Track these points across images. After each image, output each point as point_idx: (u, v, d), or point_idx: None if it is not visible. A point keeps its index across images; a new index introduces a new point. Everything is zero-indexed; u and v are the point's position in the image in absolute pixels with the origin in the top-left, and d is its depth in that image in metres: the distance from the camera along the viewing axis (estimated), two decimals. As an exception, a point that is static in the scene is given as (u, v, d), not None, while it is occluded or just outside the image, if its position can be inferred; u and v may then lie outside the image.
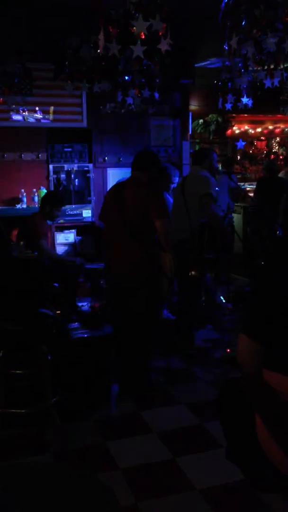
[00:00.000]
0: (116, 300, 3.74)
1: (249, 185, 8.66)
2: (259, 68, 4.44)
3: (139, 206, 3.48)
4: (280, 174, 7.50)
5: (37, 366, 3.07)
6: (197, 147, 7.73)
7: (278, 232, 6.20)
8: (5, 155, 6.25)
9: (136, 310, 3.59)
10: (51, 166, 6.40)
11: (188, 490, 2.58)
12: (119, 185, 3.75)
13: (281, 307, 1.69)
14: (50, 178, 6.39)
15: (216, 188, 4.53)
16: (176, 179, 5.44)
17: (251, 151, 10.15)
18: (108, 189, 4.44)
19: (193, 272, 4.18)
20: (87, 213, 6.50)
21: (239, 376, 1.82)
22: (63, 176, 6.44)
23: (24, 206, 6.19)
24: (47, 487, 1.55)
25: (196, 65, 6.73)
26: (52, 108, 6.32)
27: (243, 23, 3.72)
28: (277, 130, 9.25)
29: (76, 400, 3.34)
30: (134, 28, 3.61)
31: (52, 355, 3.10)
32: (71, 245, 6.40)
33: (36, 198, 6.17)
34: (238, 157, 9.81)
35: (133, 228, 3.49)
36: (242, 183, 8.15)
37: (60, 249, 6.29)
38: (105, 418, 3.38)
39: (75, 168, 6.50)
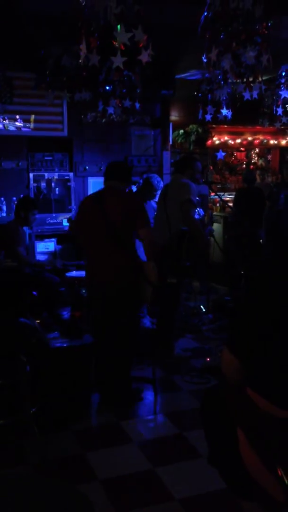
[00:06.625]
0: (98, 309, 3.72)
1: (229, 195, 8.75)
2: (238, 81, 4.51)
3: (121, 215, 3.49)
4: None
5: (15, 376, 3.03)
6: (177, 157, 7.79)
7: (260, 241, 6.29)
8: (-15, 163, 6.21)
9: (118, 318, 3.59)
10: (31, 175, 6.38)
11: (168, 501, 2.57)
12: (97, 195, 3.74)
13: (268, 325, 1.67)
14: (30, 187, 6.37)
15: (197, 198, 4.57)
16: (159, 191, 5.49)
17: (231, 162, 10.28)
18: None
19: (171, 280, 4.18)
20: (67, 221, 6.47)
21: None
22: (43, 184, 6.42)
23: (4, 214, 6.15)
24: (26, 499, 1.53)
25: (176, 76, 6.81)
26: (33, 117, 6.32)
27: (222, 36, 3.78)
28: (256, 142, 9.38)
29: (55, 411, 3.30)
30: (116, 39, 3.64)
31: (31, 365, 3.07)
32: (51, 254, 6.37)
33: (16, 207, 6.15)
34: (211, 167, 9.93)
35: (115, 236, 3.49)
36: (222, 193, 8.24)
37: (40, 258, 6.25)
38: (84, 428, 3.35)
39: (55, 177, 6.48)
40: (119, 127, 6.84)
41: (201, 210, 4.86)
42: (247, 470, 1.76)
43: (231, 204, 7.08)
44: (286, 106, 6.29)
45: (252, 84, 4.49)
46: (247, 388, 1.77)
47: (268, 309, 1.69)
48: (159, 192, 5.47)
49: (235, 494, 2.00)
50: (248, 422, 1.76)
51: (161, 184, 5.52)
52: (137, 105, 5.24)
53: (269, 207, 6.39)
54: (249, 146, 9.71)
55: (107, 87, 5.03)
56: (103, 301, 3.62)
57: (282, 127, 7.68)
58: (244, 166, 10.23)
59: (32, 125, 6.33)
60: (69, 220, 5.85)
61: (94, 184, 6.58)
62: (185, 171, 4.47)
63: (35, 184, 6.37)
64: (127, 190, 3.90)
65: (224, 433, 1.90)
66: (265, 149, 10.21)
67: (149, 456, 2.98)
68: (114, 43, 3.60)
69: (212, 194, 7.07)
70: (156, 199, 5.57)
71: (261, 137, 9.30)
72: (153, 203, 5.59)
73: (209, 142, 8.83)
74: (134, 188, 6.13)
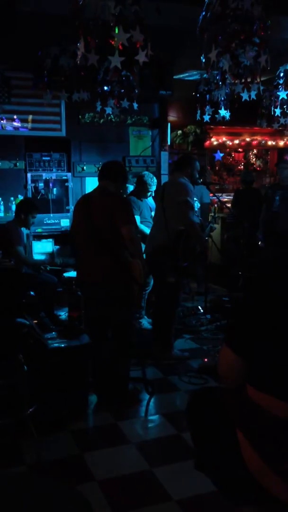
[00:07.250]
0: (91, 309, 3.72)
1: (227, 196, 8.77)
2: (236, 81, 4.51)
3: (103, 215, 3.50)
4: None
5: (13, 377, 3.02)
6: (175, 158, 7.79)
7: (259, 243, 6.30)
8: (-17, 163, 6.21)
9: (112, 318, 3.58)
10: (29, 175, 6.37)
11: (165, 501, 2.57)
12: (86, 196, 3.78)
13: (268, 325, 1.66)
14: (28, 187, 6.36)
15: (195, 198, 4.55)
16: (153, 188, 5.48)
17: (229, 163, 10.29)
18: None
19: (170, 279, 4.18)
20: (65, 222, 6.47)
21: (213, 385, 1.80)
22: (41, 184, 6.41)
23: (2, 215, 6.14)
24: (24, 499, 1.52)
25: (174, 77, 6.81)
26: (30, 117, 6.31)
27: (221, 36, 3.78)
28: (254, 142, 9.40)
29: (53, 411, 3.30)
30: (114, 39, 3.63)
31: (29, 365, 3.06)
32: (48, 254, 6.37)
33: (14, 207, 6.14)
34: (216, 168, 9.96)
35: (102, 236, 3.49)
36: (220, 194, 8.25)
37: (37, 258, 6.24)
38: (82, 429, 3.34)
39: (53, 177, 6.48)
40: (117, 127, 6.85)
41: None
42: (248, 472, 1.74)
43: (229, 205, 7.09)
44: (284, 107, 6.28)
45: (250, 85, 4.48)
46: (247, 388, 1.76)
47: (268, 309, 1.69)
48: (153, 188, 5.46)
49: (233, 498, 1.96)
50: (249, 422, 1.75)
51: (155, 181, 5.51)
52: (135, 105, 5.23)
53: (265, 208, 6.40)
54: (247, 147, 9.73)
55: (105, 87, 5.02)
56: (95, 301, 3.62)
57: (280, 128, 7.69)
58: (242, 167, 10.24)
59: (30, 125, 6.33)
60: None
61: (92, 184, 6.57)
62: (184, 170, 4.45)
63: (33, 184, 6.37)
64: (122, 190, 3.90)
65: (221, 436, 1.87)
66: (263, 150, 10.22)
67: (147, 456, 2.98)
68: (112, 42, 3.59)
69: (210, 195, 7.07)
70: (152, 197, 5.57)
71: (259, 138, 9.32)
72: (149, 201, 5.58)
73: (207, 143, 8.85)
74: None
